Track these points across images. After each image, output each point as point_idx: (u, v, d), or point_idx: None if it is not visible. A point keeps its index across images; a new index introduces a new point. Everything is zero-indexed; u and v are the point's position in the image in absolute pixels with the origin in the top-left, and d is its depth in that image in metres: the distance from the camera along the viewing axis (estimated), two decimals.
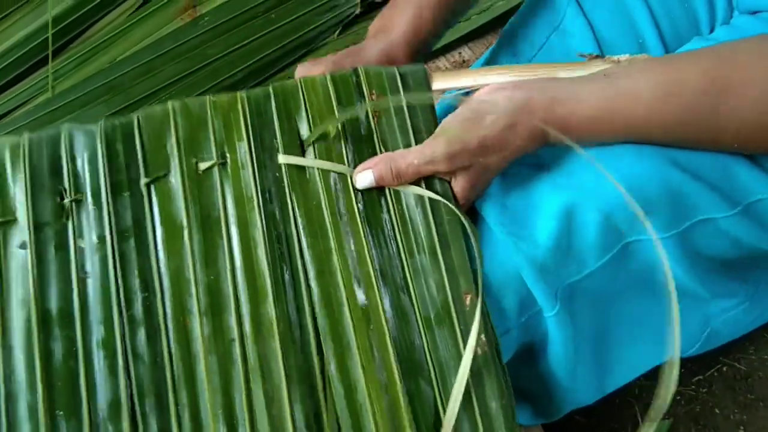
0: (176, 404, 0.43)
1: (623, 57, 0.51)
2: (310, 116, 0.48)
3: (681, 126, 0.46)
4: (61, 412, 0.42)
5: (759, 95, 0.44)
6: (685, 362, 0.82)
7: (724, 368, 0.83)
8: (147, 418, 0.42)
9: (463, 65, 0.93)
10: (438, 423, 0.43)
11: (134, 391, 0.43)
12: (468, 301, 0.45)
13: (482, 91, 0.47)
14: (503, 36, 0.68)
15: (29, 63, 0.88)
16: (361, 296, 0.44)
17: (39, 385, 0.42)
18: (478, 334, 0.44)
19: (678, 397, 0.82)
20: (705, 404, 0.81)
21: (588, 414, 0.57)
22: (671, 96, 0.45)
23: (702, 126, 0.46)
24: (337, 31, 0.92)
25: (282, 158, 0.47)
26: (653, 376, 0.56)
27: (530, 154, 0.48)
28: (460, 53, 0.94)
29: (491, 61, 0.66)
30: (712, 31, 0.63)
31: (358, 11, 0.93)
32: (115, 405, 0.42)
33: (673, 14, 0.61)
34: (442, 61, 0.92)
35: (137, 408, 0.43)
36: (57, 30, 0.87)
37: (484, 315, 0.45)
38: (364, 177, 0.46)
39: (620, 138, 0.47)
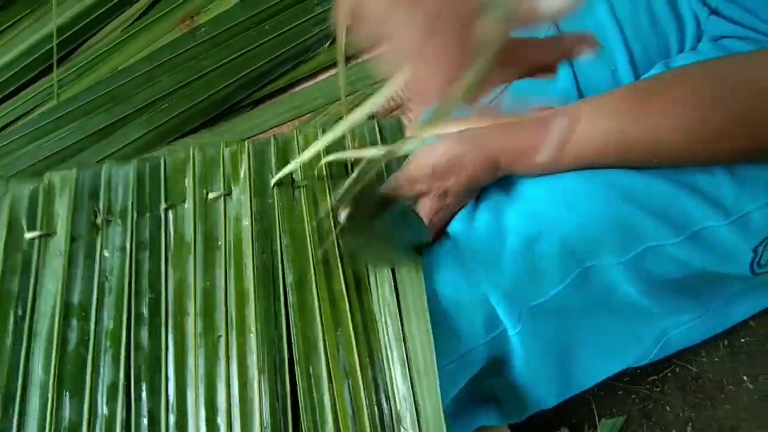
0: (166, 391, 0.51)
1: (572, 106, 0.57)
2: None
3: (620, 133, 0.49)
4: (67, 391, 0.50)
5: (678, 89, 0.48)
6: None
7: (677, 369, 0.88)
8: (140, 402, 0.51)
9: None
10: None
11: (132, 377, 0.51)
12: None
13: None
14: None
15: (34, 72, 0.91)
16: (332, 300, 0.52)
17: (52, 367, 0.51)
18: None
19: (633, 396, 0.87)
20: (657, 402, 0.86)
21: (549, 409, 0.64)
22: (602, 112, 0.50)
23: (640, 129, 0.49)
24: (328, 42, 0.95)
25: (273, 181, 0.56)
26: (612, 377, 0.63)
27: (499, 185, 0.54)
28: None
29: None
30: None
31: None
32: (112, 388, 0.51)
33: (645, 39, 0.64)
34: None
35: (132, 392, 0.51)
36: (60, 40, 0.91)
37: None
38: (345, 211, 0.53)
39: (569, 163, 0.52)
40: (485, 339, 0.55)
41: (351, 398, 0.49)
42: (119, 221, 0.57)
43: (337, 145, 0.58)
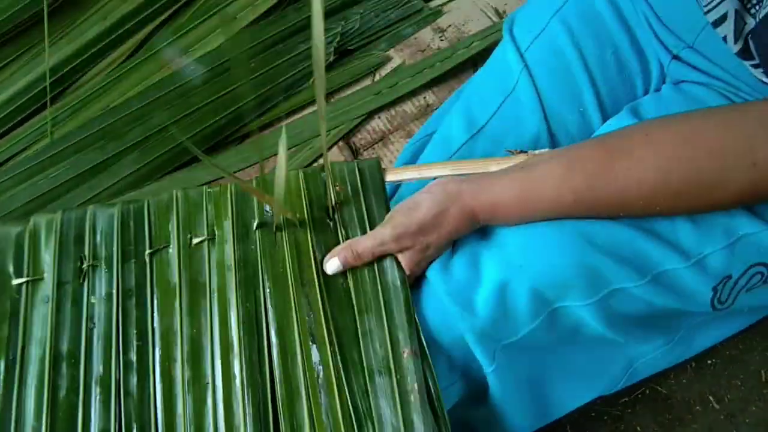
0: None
1: (539, 151, 0.59)
2: (283, 203, 0.56)
3: (590, 191, 0.52)
4: None
5: (644, 151, 0.50)
6: None
7: (647, 391, 0.90)
8: None
9: (427, 109, 1.01)
10: None
11: (123, 422, 0.52)
12: (405, 356, 0.52)
13: (427, 186, 0.56)
14: (459, 97, 0.74)
15: (27, 111, 0.94)
16: (315, 352, 0.52)
17: (44, 414, 0.51)
18: (411, 383, 0.51)
19: (605, 417, 0.89)
20: (629, 423, 0.89)
21: None
22: (573, 169, 0.52)
23: (607, 189, 0.51)
24: (311, 79, 0.99)
25: (255, 226, 0.57)
26: None
27: (475, 232, 0.57)
28: (425, 98, 1.01)
29: (447, 118, 0.72)
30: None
31: (332, 59, 1.00)
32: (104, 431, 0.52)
33: (612, 80, 0.67)
34: (408, 105, 1.00)
35: None
36: (53, 80, 0.93)
37: (419, 369, 0.52)
38: (332, 264, 0.55)
39: (542, 216, 0.54)
40: (463, 374, 0.58)
41: None
42: (105, 267, 0.56)
43: (317, 187, 0.59)
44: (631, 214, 0.54)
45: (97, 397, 0.52)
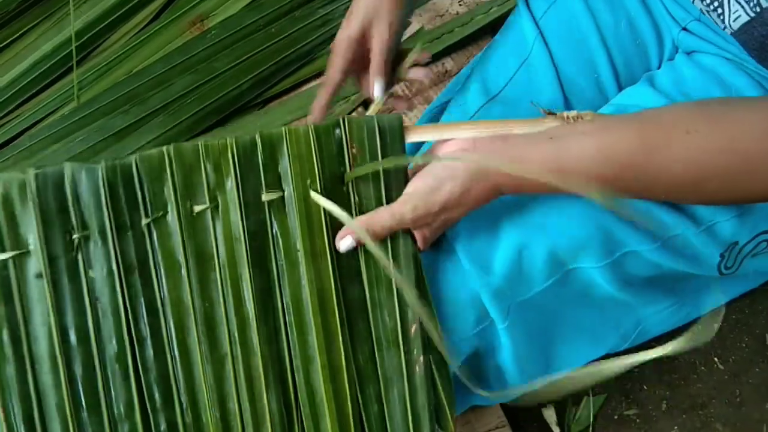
0: (180, 403, 0.50)
1: (572, 113, 0.54)
2: (291, 164, 0.51)
3: (617, 181, 0.49)
4: (85, 411, 0.49)
5: (681, 151, 0.48)
6: None
7: None
8: (156, 414, 0.50)
9: (446, 75, 1.02)
10: (381, 418, 0.52)
11: (145, 394, 0.49)
12: (413, 330, 0.52)
13: (446, 151, 0.52)
14: (477, 62, 0.72)
15: (54, 75, 0.93)
16: (325, 321, 0.51)
17: (63, 386, 0.48)
18: (417, 356, 0.51)
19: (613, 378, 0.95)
20: (635, 381, 0.92)
21: None
22: (608, 159, 0.49)
23: (636, 180, 0.49)
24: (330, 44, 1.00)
25: (265, 196, 0.51)
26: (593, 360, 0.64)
27: None
28: (443, 64, 0.99)
29: (464, 86, 0.70)
30: (659, 65, 0.67)
31: None
32: (128, 404, 0.49)
33: (627, 52, 0.66)
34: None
35: (148, 405, 0.49)
36: (77, 44, 0.92)
37: (425, 341, 0.51)
38: (345, 242, 0.51)
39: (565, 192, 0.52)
40: (475, 329, 0.57)
41: (340, 404, 0.51)
42: (99, 238, 0.49)
43: (330, 146, 0.52)
44: (651, 199, 0.54)
45: (116, 372, 0.49)
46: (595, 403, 0.91)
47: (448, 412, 0.53)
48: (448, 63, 1.01)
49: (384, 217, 0.51)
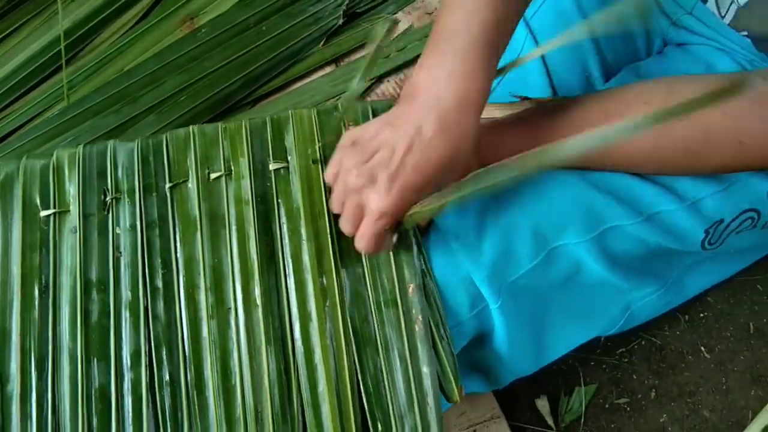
0: (184, 356, 0.53)
1: (544, 99, 0.59)
2: (295, 140, 0.59)
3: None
4: (95, 357, 0.53)
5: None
6: (610, 337, 0.94)
7: (643, 342, 0.95)
8: (161, 366, 0.53)
9: None
10: (380, 380, 0.53)
11: (152, 344, 0.53)
12: (411, 290, 0.55)
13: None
14: None
15: (43, 74, 0.93)
16: (324, 281, 0.55)
17: (79, 335, 0.53)
18: (416, 315, 0.54)
19: (603, 366, 0.93)
20: (625, 371, 0.94)
21: (526, 378, 0.69)
22: (574, 127, 0.53)
23: (605, 146, 0.52)
24: (322, 42, 0.98)
25: (272, 165, 0.58)
26: (580, 349, 0.68)
27: None
28: None
29: None
30: None
31: (340, 22, 1.00)
32: (136, 354, 0.53)
33: (617, 48, 0.68)
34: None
35: (153, 357, 0.53)
36: (67, 42, 0.93)
37: (423, 303, 0.54)
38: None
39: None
40: (470, 314, 0.58)
41: (336, 364, 0.53)
42: (128, 199, 0.58)
43: (331, 128, 0.60)
44: (617, 170, 0.56)
45: (127, 320, 0.54)
46: (587, 392, 0.93)
47: (452, 380, 0.54)
48: None
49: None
